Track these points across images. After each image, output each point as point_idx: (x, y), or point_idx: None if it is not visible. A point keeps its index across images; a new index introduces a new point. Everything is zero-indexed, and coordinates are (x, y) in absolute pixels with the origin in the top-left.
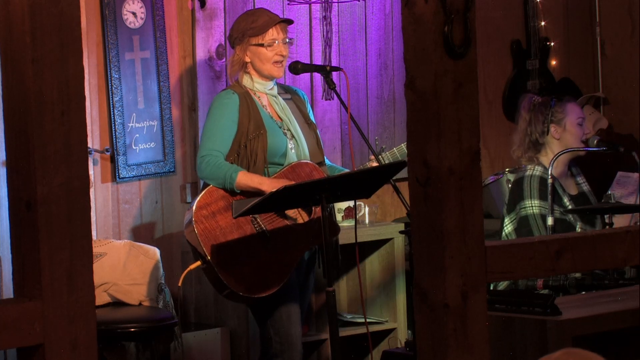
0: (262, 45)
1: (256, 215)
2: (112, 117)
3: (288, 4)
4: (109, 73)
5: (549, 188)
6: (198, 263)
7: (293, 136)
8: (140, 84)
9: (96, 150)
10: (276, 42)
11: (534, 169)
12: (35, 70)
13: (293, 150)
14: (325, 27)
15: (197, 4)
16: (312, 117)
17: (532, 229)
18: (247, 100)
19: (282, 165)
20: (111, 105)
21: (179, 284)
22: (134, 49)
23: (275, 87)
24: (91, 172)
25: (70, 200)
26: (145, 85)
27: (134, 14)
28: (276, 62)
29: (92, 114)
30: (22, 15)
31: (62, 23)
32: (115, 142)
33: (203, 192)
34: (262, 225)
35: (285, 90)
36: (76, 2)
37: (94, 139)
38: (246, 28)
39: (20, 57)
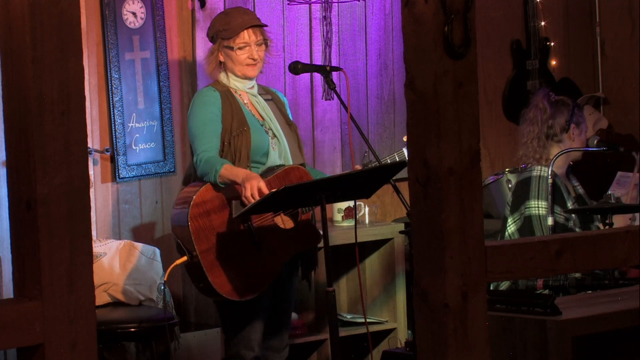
0: (232, 48)
1: (249, 219)
2: (112, 117)
3: (288, 4)
4: (109, 73)
5: (549, 188)
6: (184, 258)
7: (275, 135)
8: (140, 84)
9: (96, 150)
10: (247, 45)
11: (541, 170)
12: (35, 70)
13: (275, 150)
14: (325, 27)
15: (197, 4)
16: (291, 119)
17: (535, 230)
18: (228, 98)
19: (264, 164)
20: (111, 105)
21: (165, 279)
22: (134, 49)
23: (256, 87)
24: (91, 172)
25: (70, 200)
26: (145, 85)
27: (134, 14)
28: (248, 64)
29: (92, 114)
30: (22, 15)
31: (62, 23)
32: (115, 142)
33: (200, 190)
34: (252, 230)
35: (265, 91)
36: (76, 2)
37: (94, 139)
38: (219, 29)
39: (20, 57)
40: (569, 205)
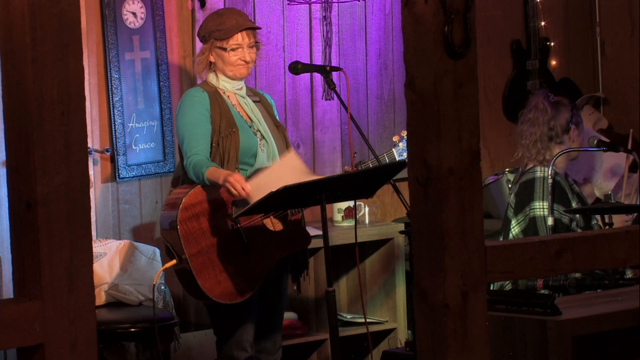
0: (225, 49)
1: (238, 221)
2: (112, 117)
3: (288, 4)
4: (109, 73)
5: (550, 188)
6: (174, 262)
7: (263, 137)
8: (140, 84)
9: (96, 150)
10: (240, 47)
11: (544, 171)
12: (35, 70)
13: (263, 151)
14: (325, 27)
15: (197, 4)
16: (279, 121)
17: (539, 231)
18: (217, 99)
19: (252, 165)
20: (111, 105)
21: (154, 282)
22: (134, 49)
23: (244, 88)
24: (91, 172)
25: (70, 200)
26: (145, 85)
27: (134, 14)
28: (239, 65)
29: (92, 114)
30: (22, 15)
31: (62, 23)
32: (115, 142)
33: (189, 193)
34: (242, 232)
35: (253, 92)
36: (76, 2)
37: (94, 139)
38: (212, 29)
39: (20, 57)
40: (574, 204)
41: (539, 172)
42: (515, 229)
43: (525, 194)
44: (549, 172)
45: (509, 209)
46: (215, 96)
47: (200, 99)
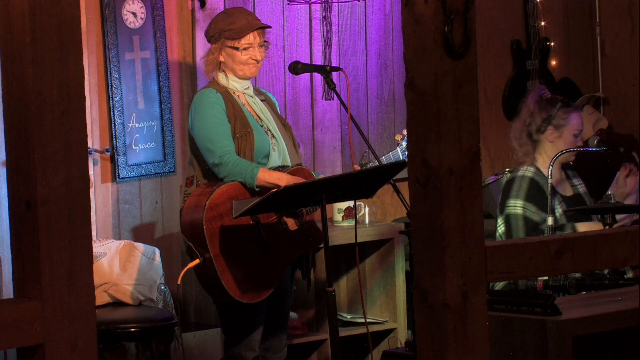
0: (237, 49)
1: (258, 221)
2: (112, 117)
3: (288, 4)
4: (109, 73)
5: (541, 190)
6: (197, 261)
7: (273, 136)
8: (140, 84)
9: (96, 150)
10: (252, 46)
11: (526, 170)
12: (35, 70)
13: (275, 150)
14: (325, 27)
15: (197, 4)
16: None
17: (512, 229)
18: (229, 99)
19: (265, 165)
20: (111, 105)
21: (178, 282)
22: (134, 49)
23: (251, 88)
24: (91, 172)
25: (70, 200)
26: (145, 85)
27: (134, 14)
28: (249, 64)
29: (92, 114)
30: (22, 15)
31: (62, 23)
32: (115, 142)
33: (214, 193)
34: (262, 231)
35: (258, 92)
36: (76, 2)
37: (94, 139)
38: (223, 29)
39: (20, 57)
40: (557, 206)
41: (521, 171)
42: (500, 228)
43: (505, 192)
44: (549, 172)
45: (497, 208)
46: (227, 96)
47: (216, 99)
